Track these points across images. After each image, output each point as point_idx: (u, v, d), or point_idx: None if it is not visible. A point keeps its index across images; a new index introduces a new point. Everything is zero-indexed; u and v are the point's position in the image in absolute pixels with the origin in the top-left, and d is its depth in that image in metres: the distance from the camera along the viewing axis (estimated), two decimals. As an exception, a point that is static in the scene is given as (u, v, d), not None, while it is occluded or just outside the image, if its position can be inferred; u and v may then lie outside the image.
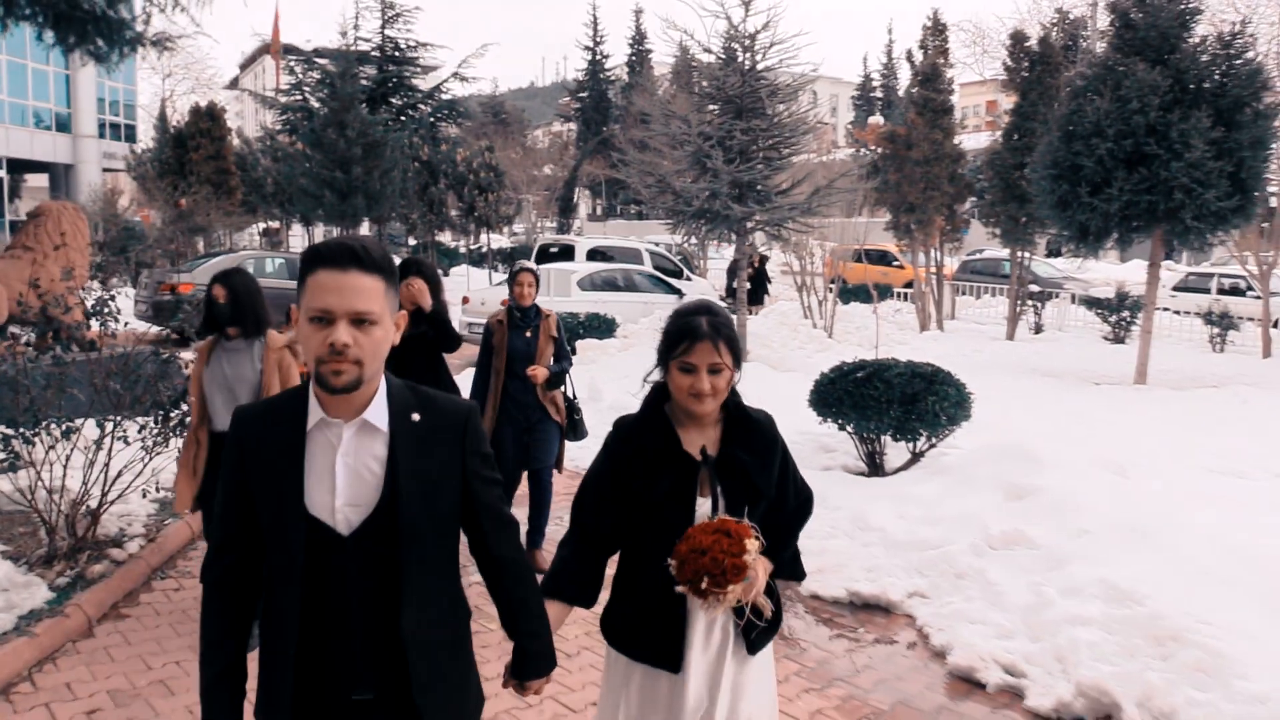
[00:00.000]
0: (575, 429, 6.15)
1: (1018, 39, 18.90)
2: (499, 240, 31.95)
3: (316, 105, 26.21)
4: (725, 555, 2.29)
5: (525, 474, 6.00)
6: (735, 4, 12.68)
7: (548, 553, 5.66)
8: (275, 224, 32.39)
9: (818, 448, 8.04)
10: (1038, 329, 20.07)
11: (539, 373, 5.73)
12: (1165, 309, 20.64)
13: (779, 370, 12.29)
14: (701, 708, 2.47)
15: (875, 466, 7.55)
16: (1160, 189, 12.07)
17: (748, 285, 14.63)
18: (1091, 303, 19.73)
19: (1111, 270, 31.32)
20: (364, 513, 2.01)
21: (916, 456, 7.46)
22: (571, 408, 6.11)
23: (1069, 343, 18.54)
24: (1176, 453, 8.16)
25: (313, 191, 19.65)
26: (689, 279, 20.38)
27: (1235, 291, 21.60)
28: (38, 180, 37.20)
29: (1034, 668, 4.34)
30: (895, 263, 27.05)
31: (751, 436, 2.52)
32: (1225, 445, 8.60)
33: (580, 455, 7.30)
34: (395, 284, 2.04)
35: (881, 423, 7.27)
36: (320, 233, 25.93)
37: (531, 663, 2.32)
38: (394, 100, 29.02)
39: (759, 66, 12.60)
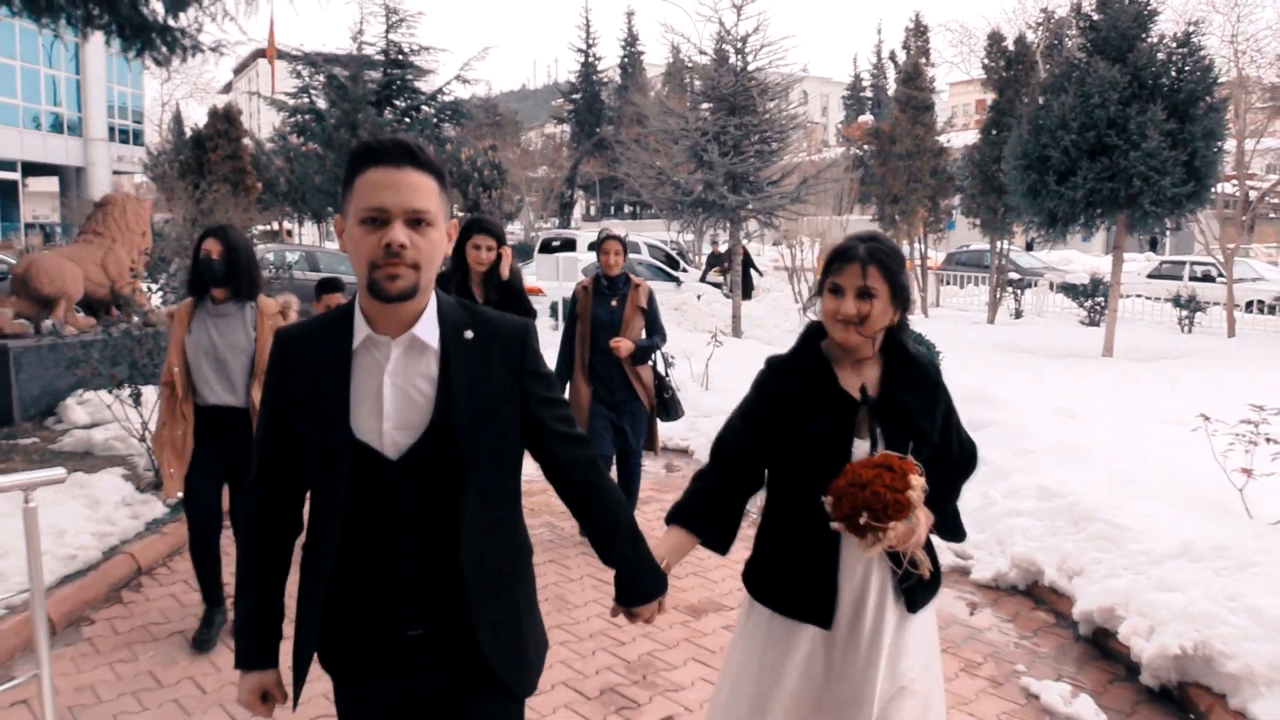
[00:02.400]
0: (667, 408, 5.75)
1: (995, 39, 19.93)
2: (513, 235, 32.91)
3: (325, 107, 27.07)
4: (887, 490, 2.13)
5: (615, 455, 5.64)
6: (727, 7, 13.71)
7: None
8: (274, 226, 33.39)
9: (806, 404, 9.06)
10: (1018, 314, 21.12)
11: (622, 345, 5.35)
12: (1140, 295, 21.74)
13: (773, 347, 13.31)
14: (857, 668, 2.29)
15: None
16: (1121, 177, 13.12)
17: (739, 274, 15.64)
18: (1067, 289, 20.80)
19: (1093, 260, 32.41)
20: (414, 436, 1.90)
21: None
22: (662, 385, 5.73)
23: (1046, 326, 19.59)
24: (1124, 405, 9.19)
25: (327, 190, 20.61)
26: (682, 273, 21.39)
27: (1206, 278, 22.70)
28: (39, 184, 38.08)
29: (978, 551, 5.34)
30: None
31: (913, 378, 2.34)
32: (1171, 402, 9.62)
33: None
34: (447, 189, 1.92)
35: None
36: (332, 229, 26.87)
37: (631, 588, 2.17)
38: (398, 102, 29.89)
39: (750, 67, 13.61)
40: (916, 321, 18.77)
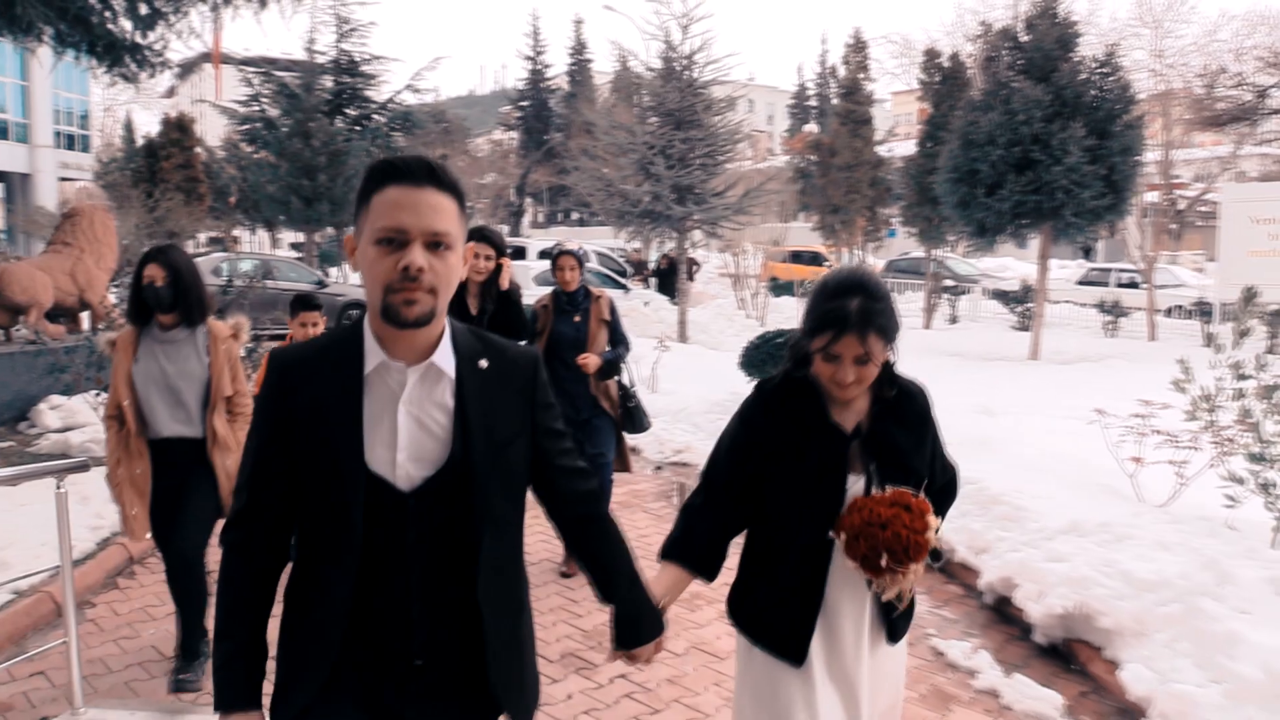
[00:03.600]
0: (632, 419, 5.57)
1: (931, 55, 20.74)
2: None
3: (276, 115, 27.18)
4: (909, 531, 2.12)
5: None
6: (671, 19, 14.27)
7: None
8: (220, 233, 33.44)
9: (748, 404, 9.63)
10: (953, 319, 21.95)
11: (590, 361, 5.21)
12: (1069, 301, 22.70)
13: (717, 351, 13.89)
14: (838, 708, 2.27)
15: (795, 417, 9.15)
16: (1045, 190, 13.89)
17: (687, 278, 16.24)
18: (1000, 295, 21.68)
19: (1028, 267, 33.48)
20: (428, 468, 1.84)
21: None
22: (626, 395, 5.55)
23: (980, 331, 20.42)
24: (1040, 404, 9.89)
25: (280, 198, 20.87)
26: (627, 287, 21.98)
27: (1131, 285, 23.71)
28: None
29: (900, 533, 5.93)
30: (826, 262, 28.86)
31: (904, 410, 2.32)
32: (1084, 400, 10.33)
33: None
34: (466, 210, 1.87)
35: (799, 379, 8.89)
36: (285, 237, 27.04)
37: (632, 628, 2.13)
38: (349, 111, 30.09)
39: (696, 83, 14.20)
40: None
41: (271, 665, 1.92)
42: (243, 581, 1.92)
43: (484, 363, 1.91)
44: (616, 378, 5.49)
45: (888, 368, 2.25)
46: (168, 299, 3.95)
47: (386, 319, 1.78)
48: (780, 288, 22.70)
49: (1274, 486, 4.81)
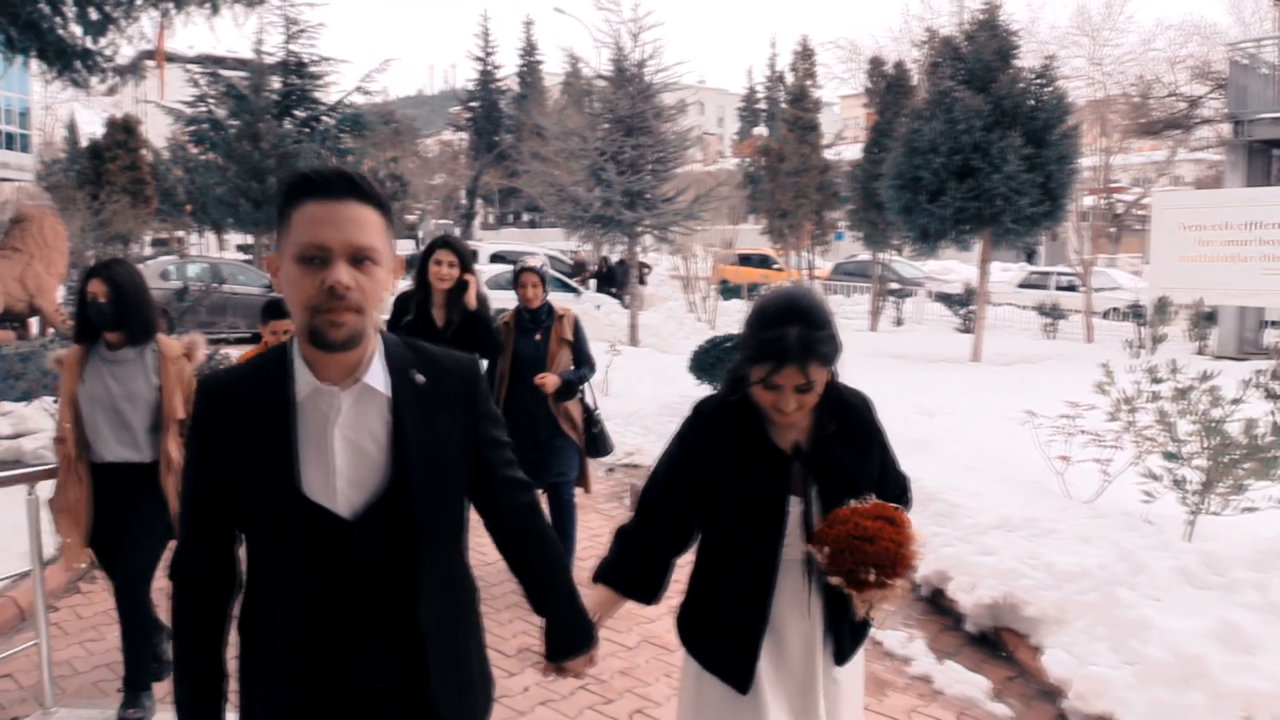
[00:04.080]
0: (595, 444, 5.45)
1: (876, 64, 21.18)
2: (404, 247, 33.17)
3: (224, 116, 26.95)
4: (895, 545, 2.08)
5: (542, 492, 5.20)
6: (622, 25, 14.47)
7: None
8: (165, 235, 33.07)
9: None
10: (899, 321, 22.41)
11: (548, 381, 5.06)
12: (1011, 304, 23.28)
13: (667, 353, 14.12)
14: None
15: (743, 419, 9.41)
16: (985, 197, 14.31)
17: (635, 280, 16.47)
18: (944, 298, 22.19)
19: (973, 270, 34.16)
20: (369, 493, 1.79)
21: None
22: (590, 420, 5.41)
23: (924, 333, 20.88)
24: (980, 405, 10.24)
25: (229, 201, 20.77)
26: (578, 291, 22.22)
27: (1070, 288, 24.36)
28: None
29: (842, 530, 6.20)
30: (775, 265, 29.29)
31: (848, 424, 2.26)
32: (1021, 401, 10.71)
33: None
34: (392, 222, 1.83)
35: (747, 382, 9.15)
36: (232, 239, 26.85)
37: (564, 640, 2.08)
38: (298, 112, 29.92)
39: (646, 91, 14.43)
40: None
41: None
42: (193, 617, 1.88)
43: (420, 377, 1.85)
44: (580, 399, 5.36)
45: (829, 384, 2.21)
46: (111, 316, 3.76)
47: (313, 342, 1.72)
48: (730, 291, 23.01)
49: (1187, 483, 5.13)
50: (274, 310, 4.87)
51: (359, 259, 1.70)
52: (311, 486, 1.77)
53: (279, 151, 21.13)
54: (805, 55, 20.94)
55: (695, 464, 2.27)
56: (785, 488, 2.21)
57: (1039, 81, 14.88)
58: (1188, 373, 5.13)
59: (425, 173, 46.25)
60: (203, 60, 25.10)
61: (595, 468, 8.42)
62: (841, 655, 2.29)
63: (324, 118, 29.76)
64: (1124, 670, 3.87)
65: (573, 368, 5.26)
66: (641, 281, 21.17)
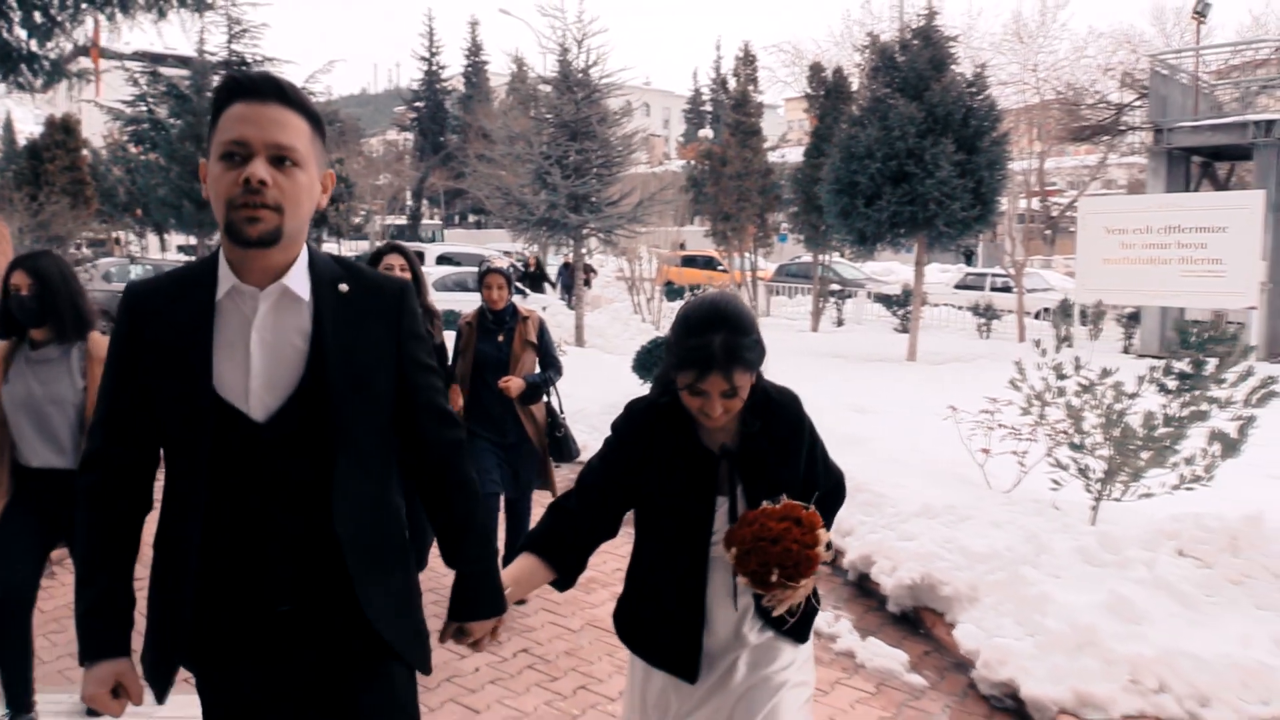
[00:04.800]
0: (560, 448, 5.33)
1: (816, 70, 21.66)
2: (350, 249, 33.11)
3: (165, 116, 26.65)
4: (799, 546, 2.10)
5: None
6: (567, 31, 14.74)
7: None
8: (102, 236, 32.69)
9: (641, 405, 10.18)
10: (839, 322, 22.92)
11: (511, 384, 4.98)
12: (948, 304, 23.92)
13: (612, 354, 14.41)
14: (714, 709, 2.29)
15: (685, 416, 9.73)
16: (919, 201, 14.78)
17: (573, 281, 16.75)
18: (883, 299, 22.75)
19: (911, 272, 34.91)
20: (283, 396, 1.77)
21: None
22: (555, 423, 5.30)
23: (864, 333, 21.39)
24: (912, 402, 10.67)
25: (171, 202, 20.66)
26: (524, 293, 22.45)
27: (1005, 289, 25.05)
28: None
29: (776, 520, 6.54)
30: (720, 267, 29.70)
31: (774, 423, 2.29)
32: (953, 398, 11.17)
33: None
34: (323, 135, 1.83)
35: (688, 381, 9.48)
36: (174, 240, 26.63)
37: (470, 599, 2.00)
38: (241, 113, 29.61)
39: (591, 96, 14.72)
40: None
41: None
42: (103, 524, 1.85)
43: (344, 286, 1.85)
44: (546, 402, 5.29)
45: (756, 386, 2.25)
46: (34, 311, 3.51)
47: (230, 237, 1.73)
48: (675, 292, 23.37)
49: (1091, 471, 5.53)
50: None
51: (280, 159, 1.72)
52: (225, 386, 1.77)
53: (223, 153, 21.07)
54: (747, 61, 21.37)
55: (627, 459, 2.32)
56: (712, 488, 2.26)
57: (971, 90, 15.40)
58: (1091, 369, 5.53)
59: (370, 173, 46.01)
60: (140, 57, 24.85)
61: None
62: (779, 625, 2.28)
63: (267, 118, 29.44)
64: (1026, 641, 4.23)
65: (538, 370, 5.20)
66: (586, 284, 21.45)
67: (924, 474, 6.76)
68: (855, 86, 20.57)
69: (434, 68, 62.02)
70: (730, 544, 2.17)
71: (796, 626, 2.31)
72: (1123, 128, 25.25)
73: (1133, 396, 5.28)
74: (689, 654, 2.28)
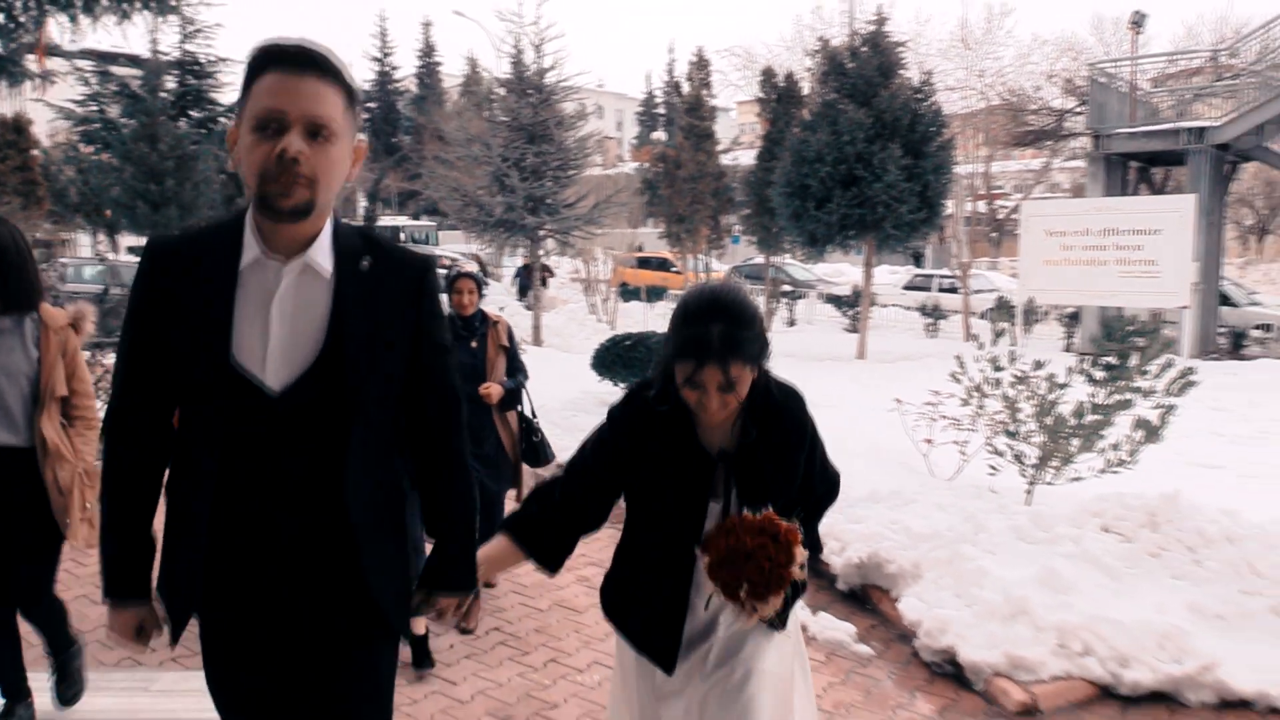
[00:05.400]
0: (536, 452, 5.28)
1: (768, 75, 22.05)
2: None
3: (117, 115, 26.37)
4: (771, 564, 2.07)
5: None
6: (524, 35, 14.98)
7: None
8: (50, 237, 32.25)
9: (597, 402, 10.41)
10: (791, 322, 23.37)
11: (493, 390, 4.88)
12: (897, 305, 24.48)
13: (570, 353, 14.69)
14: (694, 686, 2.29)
15: (643, 412, 10.05)
16: (868, 205, 15.24)
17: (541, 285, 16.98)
18: (833, 299, 23.24)
19: (861, 273, 35.50)
20: (299, 368, 1.78)
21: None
22: (530, 428, 5.25)
23: (815, 333, 21.86)
24: (861, 398, 11.08)
25: (125, 203, 20.55)
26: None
27: (951, 290, 25.68)
28: None
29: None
30: (673, 268, 30.06)
31: (775, 427, 2.23)
32: (898, 393, 11.59)
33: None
34: (357, 107, 1.81)
35: (643, 377, 9.80)
36: (123, 241, 26.40)
37: (445, 572, 2.03)
38: (194, 113, 29.49)
39: (548, 100, 14.99)
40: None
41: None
42: (125, 475, 1.89)
43: (366, 262, 1.85)
44: (518, 408, 5.21)
45: (761, 386, 2.19)
46: None
47: (262, 210, 1.74)
48: (629, 293, 23.68)
49: (1025, 457, 5.91)
50: None
51: (315, 131, 1.71)
52: (243, 354, 1.77)
53: (178, 154, 21.00)
54: (701, 65, 21.72)
55: (621, 451, 2.26)
56: (706, 490, 2.21)
57: (918, 96, 15.88)
58: (1025, 362, 5.92)
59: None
60: (87, 55, 24.61)
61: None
62: (771, 625, 2.27)
63: (221, 118, 29.37)
64: (964, 612, 4.57)
65: (504, 376, 5.06)
66: (543, 284, 21.68)
67: (871, 463, 7.11)
68: (806, 90, 20.99)
69: (386, 68, 61.56)
70: (705, 550, 2.16)
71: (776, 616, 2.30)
72: (1064, 133, 25.98)
73: (1063, 387, 5.67)
74: (668, 646, 2.27)
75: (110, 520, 1.91)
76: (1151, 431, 5.46)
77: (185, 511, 1.87)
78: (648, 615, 2.30)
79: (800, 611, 5.08)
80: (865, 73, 15.72)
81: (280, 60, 1.71)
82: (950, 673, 4.42)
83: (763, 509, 2.16)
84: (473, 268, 5.17)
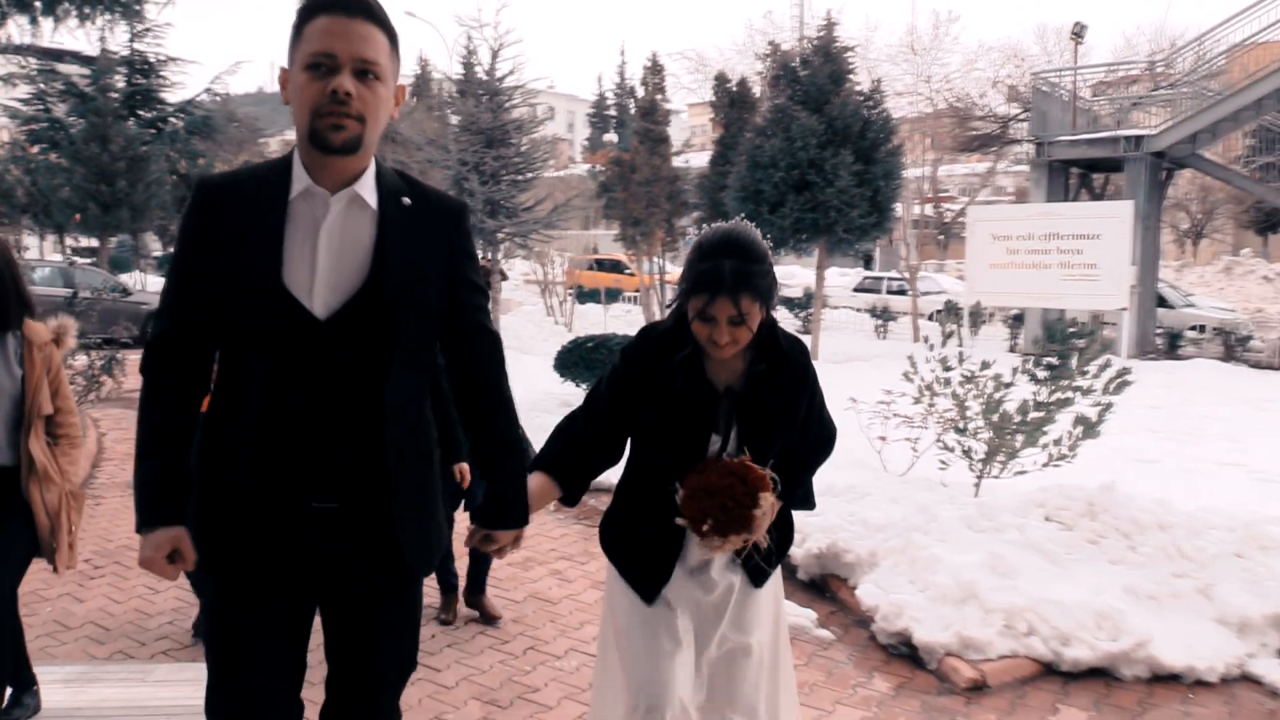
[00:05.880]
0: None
1: (721, 80, 22.43)
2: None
3: (64, 115, 26.02)
4: (734, 504, 2.18)
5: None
6: (481, 33, 15.10)
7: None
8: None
9: (559, 403, 10.62)
10: (744, 324, 23.74)
11: None
12: (847, 306, 24.96)
13: (528, 354, 14.88)
14: (689, 639, 2.38)
15: (604, 412, 10.31)
16: (820, 209, 15.62)
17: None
18: (785, 301, 23.66)
19: (813, 275, 36.02)
20: (344, 295, 1.86)
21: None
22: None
23: (768, 334, 22.22)
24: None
25: (76, 204, 20.39)
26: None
27: (900, 292, 26.24)
28: None
29: (695, 504, 7.12)
30: (627, 270, 30.30)
31: (780, 370, 2.34)
32: (851, 392, 11.94)
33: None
34: (398, 50, 1.91)
35: (607, 379, 10.05)
36: (69, 241, 26.08)
37: (500, 509, 2.12)
38: (143, 113, 29.17)
39: (506, 105, 15.16)
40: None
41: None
42: (163, 401, 1.94)
43: (407, 200, 1.95)
44: None
45: (768, 328, 2.31)
46: None
47: (314, 144, 1.84)
48: (585, 295, 23.89)
49: (974, 452, 6.25)
50: None
51: (363, 72, 1.82)
52: (291, 281, 1.85)
53: (129, 154, 20.85)
54: (655, 70, 22.01)
55: (634, 386, 2.36)
56: (709, 424, 2.32)
57: (868, 104, 16.31)
58: (973, 362, 6.26)
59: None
60: (26, 50, 24.29)
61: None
62: (756, 579, 2.47)
63: (172, 119, 29.06)
64: (918, 596, 4.88)
65: None
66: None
67: (828, 460, 7.41)
68: (758, 93, 21.36)
69: (336, 68, 60.59)
70: (682, 485, 2.29)
71: (753, 571, 2.47)
72: (1008, 140, 26.64)
73: (1009, 386, 6.01)
74: (656, 580, 2.39)
75: (146, 446, 1.94)
76: (1090, 428, 5.81)
77: (226, 439, 1.91)
78: (643, 549, 2.41)
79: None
80: (817, 80, 16.12)
81: (331, 5, 1.82)
82: (905, 653, 4.71)
83: (736, 454, 2.32)
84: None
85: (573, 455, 2.45)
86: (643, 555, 2.43)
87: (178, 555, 1.93)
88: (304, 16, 1.84)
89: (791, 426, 2.41)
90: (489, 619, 5.08)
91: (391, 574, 2.01)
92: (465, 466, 4.47)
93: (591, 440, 2.44)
